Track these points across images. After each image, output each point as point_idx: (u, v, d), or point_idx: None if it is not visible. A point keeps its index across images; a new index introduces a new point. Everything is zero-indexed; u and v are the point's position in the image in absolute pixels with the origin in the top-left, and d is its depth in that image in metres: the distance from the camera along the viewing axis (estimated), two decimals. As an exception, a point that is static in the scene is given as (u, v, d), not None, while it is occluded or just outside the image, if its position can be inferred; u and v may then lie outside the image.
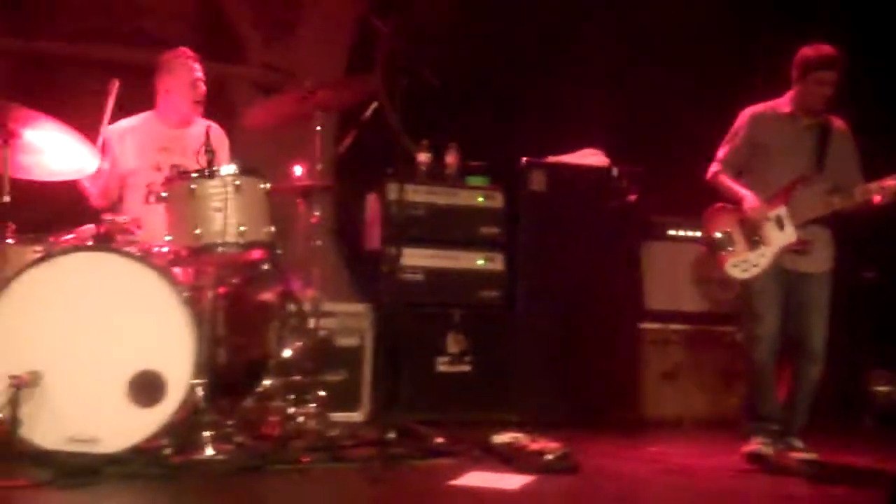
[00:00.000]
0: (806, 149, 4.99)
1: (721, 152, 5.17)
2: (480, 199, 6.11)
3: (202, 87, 5.15)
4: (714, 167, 5.16)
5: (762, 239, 4.94)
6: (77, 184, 4.96)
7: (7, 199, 4.46)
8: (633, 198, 6.19)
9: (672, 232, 6.33)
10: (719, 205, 5.12)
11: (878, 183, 4.86)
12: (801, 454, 4.84)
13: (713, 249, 5.06)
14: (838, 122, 5.08)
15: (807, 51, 4.98)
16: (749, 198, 4.97)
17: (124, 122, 5.15)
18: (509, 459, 4.58)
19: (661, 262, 6.33)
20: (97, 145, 4.74)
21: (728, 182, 5.11)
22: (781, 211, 4.93)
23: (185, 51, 5.18)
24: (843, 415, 6.13)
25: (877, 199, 4.85)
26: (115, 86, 4.84)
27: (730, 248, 5.00)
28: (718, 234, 5.04)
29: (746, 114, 5.13)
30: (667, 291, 6.30)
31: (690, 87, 6.48)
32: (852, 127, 5.11)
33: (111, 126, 5.02)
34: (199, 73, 5.15)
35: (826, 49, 4.94)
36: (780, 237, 4.93)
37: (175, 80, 5.14)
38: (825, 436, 5.03)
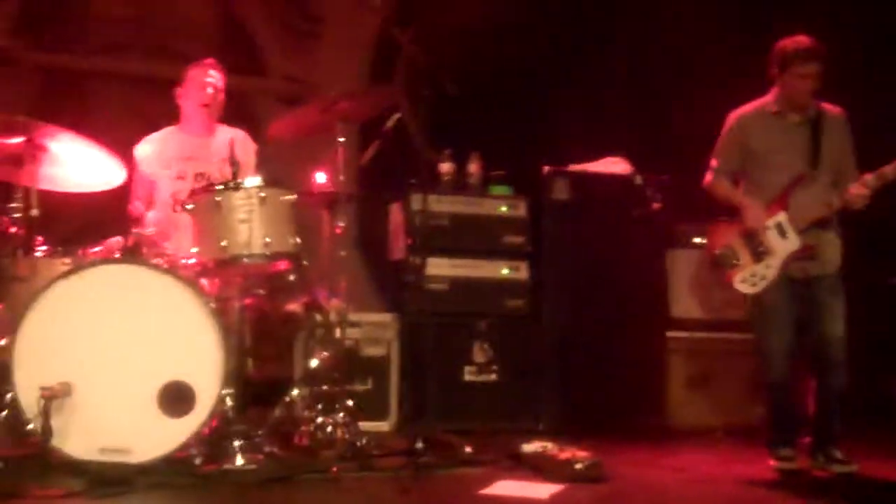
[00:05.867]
0: (799, 147, 4.84)
1: (713, 160, 5.04)
2: (504, 209, 6.10)
3: (210, 91, 5.17)
4: (708, 176, 5.05)
5: (766, 249, 4.81)
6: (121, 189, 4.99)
7: (35, 212, 4.50)
8: (657, 206, 6.17)
9: (697, 240, 6.30)
10: (719, 220, 5.03)
11: (875, 173, 4.68)
12: (838, 466, 4.77)
13: (718, 266, 4.94)
14: (831, 110, 4.90)
15: (784, 44, 4.80)
16: (748, 206, 4.87)
17: (150, 137, 5.22)
18: (538, 468, 4.56)
19: (685, 270, 6.31)
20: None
21: (725, 189, 5.00)
22: (781, 217, 4.80)
23: (206, 59, 5.25)
24: (871, 423, 6.07)
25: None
26: None
27: (735, 263, 4.87)
28: (722, 250, 4.92)
29: (733, 117, 5.00)
30: (692, 299, 6.29)
31: (715, 95, 6.45)
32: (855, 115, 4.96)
33: (139, 144, 5.16)
34: (211, 79, 5.19)
35: (804, 40, 4.75)
36: (784, 245, 4.79)
37: (186, 87, 5.22)
38: (853, 444, 4.98)
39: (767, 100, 4.96)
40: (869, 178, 4.71)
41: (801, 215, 4.80)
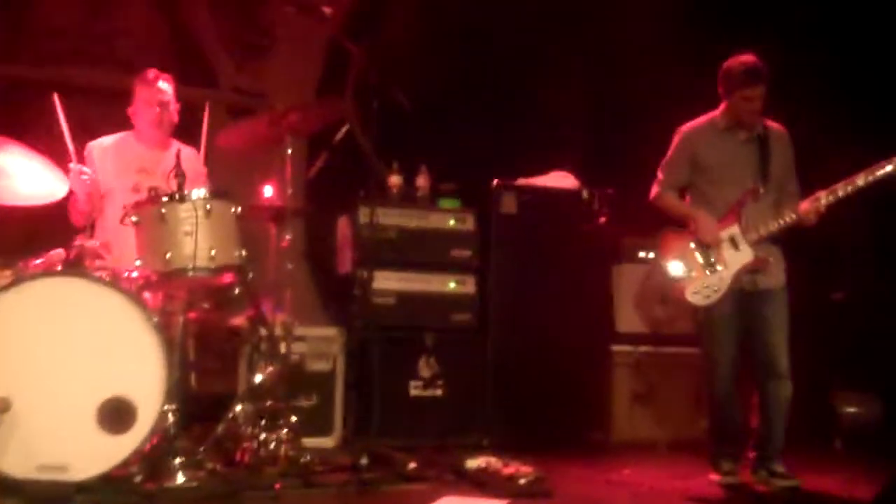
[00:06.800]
0: (748, 162, 4.91)
1: (661, 173, 5.08)
2: (452, 222, 6.09)
3: (157, 111, 5.09)
4: (655, 189, 5.09)
5: (719, 261, 4.85)
6: (65, 200, 4.88)
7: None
8: (603, 220, 6.22)
9: (642, 254, 6.35)
10: (670, 231, 5.06)
11: (827, 190, 4.76)
12: (780, 481, 4.82)
13: (671, 278, 4.95)
14: (775, 128, 5.00)
15: (729, 65, 4.86)
16: (701, 218, 4.89)
17: (105, 140, 5.15)
18: (482, 484, 4.56)
19: (631, 284, 6.35)
20: (74, 158, 4.70)
21: (673, 202, 5.05)
22: (734, 230, 4.84)
23: (149, 73, 5.16)
24: (813, 437, 6.15)
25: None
26: (56, 99, 4.78)
27: (687, 276, 4.89)
28: (674, 262, 4.95)
29: (682, 131, 5.06)
30: (637, 314, 6.32)
31: (661, 110, 6.51)
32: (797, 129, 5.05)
33: (93, 142, 5.04)
34: (161, 95, 5.11)
35: (748, 62, 4.81)
36: (736, 258, 4.83)
37: (136, 101, 5.14)
38: (795, 458, 5.04)
39: (716, 115, 5.02)
40: (821, 194, 4.79)
41: (755, 228, 4.85)
